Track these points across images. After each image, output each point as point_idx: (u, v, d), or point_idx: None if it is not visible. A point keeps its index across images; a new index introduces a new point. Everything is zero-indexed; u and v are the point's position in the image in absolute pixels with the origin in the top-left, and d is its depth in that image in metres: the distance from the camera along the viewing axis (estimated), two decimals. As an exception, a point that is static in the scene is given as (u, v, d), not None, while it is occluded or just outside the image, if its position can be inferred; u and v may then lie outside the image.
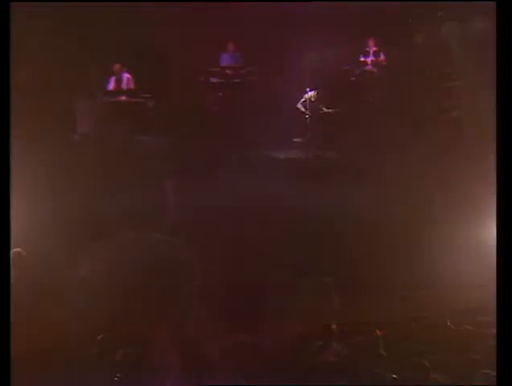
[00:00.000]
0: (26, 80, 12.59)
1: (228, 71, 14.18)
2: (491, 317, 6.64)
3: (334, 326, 7.71)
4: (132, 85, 13.58)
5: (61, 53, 13.22)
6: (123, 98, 13.56)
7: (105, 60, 13.37)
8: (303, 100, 13.07)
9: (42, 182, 10.75)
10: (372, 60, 14.12)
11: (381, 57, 14.10)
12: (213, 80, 14.01)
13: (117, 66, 13.41)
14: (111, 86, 13.54)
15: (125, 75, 13.54)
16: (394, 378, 6.84)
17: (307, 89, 13.03)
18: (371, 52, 14.14)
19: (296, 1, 14.05)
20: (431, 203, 10.79)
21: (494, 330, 6.23)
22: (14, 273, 6.80)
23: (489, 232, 9.02)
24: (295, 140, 13.33)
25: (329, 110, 12.98)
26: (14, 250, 8.33)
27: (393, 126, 12.67)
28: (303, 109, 13.02)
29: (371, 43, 14.08)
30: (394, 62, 13.90)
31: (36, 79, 13.21)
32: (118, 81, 13.48)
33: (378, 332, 7.50)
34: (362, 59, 14.15)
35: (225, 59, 14.34)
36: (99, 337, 7.38)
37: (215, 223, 10.81)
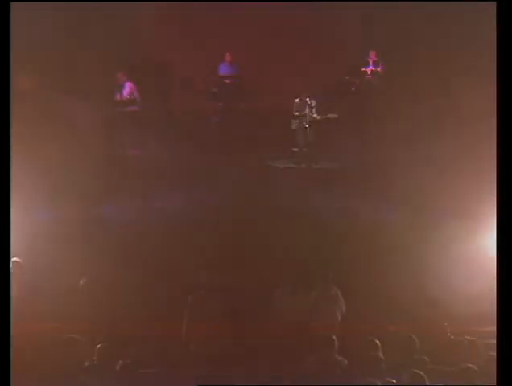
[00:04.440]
0: (26, 86, 12.62)
1: (226, 81, 14.20)
2: (491, 327, 6.62)
3: (334, 337, 7.68)
4: (134, 94, 13.55)
5: (62, 60, 13.29)
6: (124, 107, 13.52)
7: (106, 69, 13.36)
8: (302, 109, 13.06)
9: (42, 188, 10.73)
10: (371, 70, 14.16)
11: (381, 67, 14.15)
12: (213, 89, 14.03)
13: (119, 75, 13.38)
14: (116, 96, 13.51)
15: (128, 84, 13.52)
16: (392, 383, 6.81)
17: (307, 99, 13.02)
18: (371, 62, 14.18)
19: (296, 1, 14.07)
20: (431, 213, 10.79)
21: (494, 341, 6.21)
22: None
23: (489, 242, 9.01)
24: (294, 149, 13.33)
25: (328, 116, 12.99)
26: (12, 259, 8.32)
27: (393, 135, 12.68)
28: (302, 119, 13.01)
29: (371, 53, 14.12)
30: (394, 71, 13.93)
31: (38, 85, 13.24)
32: (120, 90, 13.46)
33: (377, 342, 7.46)
34: (362, 69, 14.19)
35: (223, 69, 14.37)
36: (98, 346, 7.31)
37: (213, 231, 10.79)
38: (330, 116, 13.02)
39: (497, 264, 6.11)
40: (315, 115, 13.01)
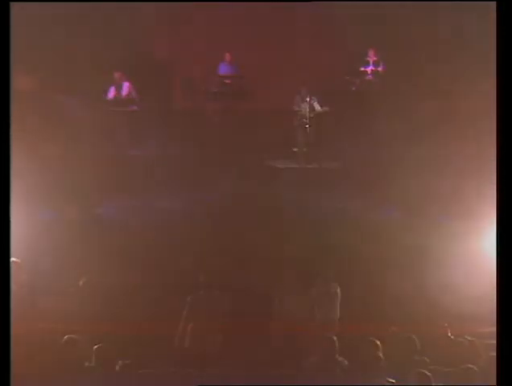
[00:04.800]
0: (25, 86, 12.59)
1: (226, 81, 14.17)
2: (492, 327, 6.59)
3: (335, 338, 7.66)
4: (132, 94, 13.52)
5: (61, 59, 13.25)
6: (123, 107, 13.49)
7: (105, 69, 13.34)
8: (302, 109, 13.04)
9: (41, 189, 10.71)
10: (372, 70, 14.13)
11: (381, 67, 14.12)
12: (213, 89, 14.00)
13: (117, 74, 13.35)
14: (111, 94, 13.49)
15: (126, 84, 13.49)
16: (392, 382, 6.81)
17: (307, 99, 12.99)
18: (371, 62, 14.15)
19: (297, 1, 14.04)
20: (432, 213, 10.80)
21: (495, 341, 6.18)
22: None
23: (490, 242, 8.98)
24: (294, 149, 13.30)
25: (325, 109, 13.02)
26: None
27: (393, 135, 12.66)
28: (302, 116, 13.00)
29: (371, 52, 14.09)
30: (394, 71, 13.90)
31: (37, 85, 13.20)
32: (118, 90, 13.42)
33: (378, 342, 7.44)
34: (362, 68, 14.17)
35: (223, 69, 14.33)
36: (95, 347, 7.28)
37: (214, 231, 10.80)
38: (322, 109, 12.98)
39: (497, 265, 6.06)
40: (318, 108, 13.00)
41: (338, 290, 9.16)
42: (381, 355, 7.33)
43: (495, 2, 6.65)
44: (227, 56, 14.23)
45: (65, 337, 7.43)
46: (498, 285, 5.98)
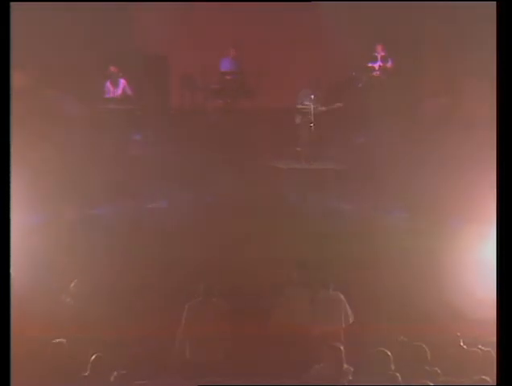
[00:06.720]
0: (23, 85, 12.44)
1: (227, 77, 13.97)
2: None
3: (341, 345, 7.43)
4: (128, 91, 13.33)
5: (58, 57, 13.07)
6: (120, 105, 13.28)
7: (103, 66, 13.18)
8: (306, 108, 12.85)
9: (39, 189, 10.52)
10: (379, 66, 13.93)
11: (389, 62, 13.91)
12: (213, 86, 13.80)
13: (113, 68, 13.16)
14: (107, 91, 13.28)
15: (122, 81, 13.30)
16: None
17: (311, 97, 12.78)
18: (379, 58, 13.94)
19: (298, 1, 13.87)
20: (445, 216, 10.66)
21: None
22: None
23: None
24: (298, 149, 13.08)
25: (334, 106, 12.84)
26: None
27: (399, 134, 12.53)
28: (306, 114, 12.81)
29: (379, 48, 13.88)
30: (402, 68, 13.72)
31: (35, 84, 13.09)
32: (114, 86, 13.22)
33: (389, 353, 7.20)
34: (370, 64, 13.95)
35: (225, 65, 14.12)
36: (92, 357, 7.08)
37: (213, 231, 10.67)
38: (336, 105, 12.85)
39: (496, 269, 5.95)
40: (322, 108, 12.81)
41: (341, 296, 8.94)
42: (391, 365, 7.11)
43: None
44: (232, 52, 14.00)
45: (59, 345, 7.32)
46: (498, 286, 5.89)
